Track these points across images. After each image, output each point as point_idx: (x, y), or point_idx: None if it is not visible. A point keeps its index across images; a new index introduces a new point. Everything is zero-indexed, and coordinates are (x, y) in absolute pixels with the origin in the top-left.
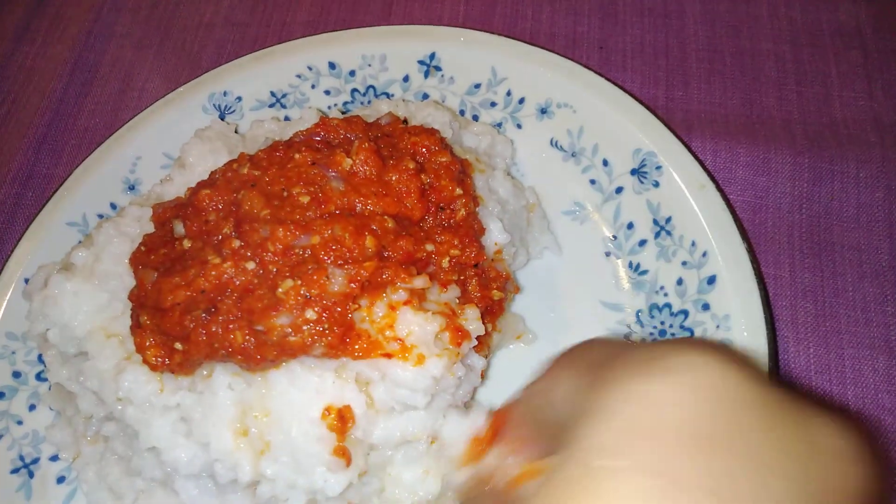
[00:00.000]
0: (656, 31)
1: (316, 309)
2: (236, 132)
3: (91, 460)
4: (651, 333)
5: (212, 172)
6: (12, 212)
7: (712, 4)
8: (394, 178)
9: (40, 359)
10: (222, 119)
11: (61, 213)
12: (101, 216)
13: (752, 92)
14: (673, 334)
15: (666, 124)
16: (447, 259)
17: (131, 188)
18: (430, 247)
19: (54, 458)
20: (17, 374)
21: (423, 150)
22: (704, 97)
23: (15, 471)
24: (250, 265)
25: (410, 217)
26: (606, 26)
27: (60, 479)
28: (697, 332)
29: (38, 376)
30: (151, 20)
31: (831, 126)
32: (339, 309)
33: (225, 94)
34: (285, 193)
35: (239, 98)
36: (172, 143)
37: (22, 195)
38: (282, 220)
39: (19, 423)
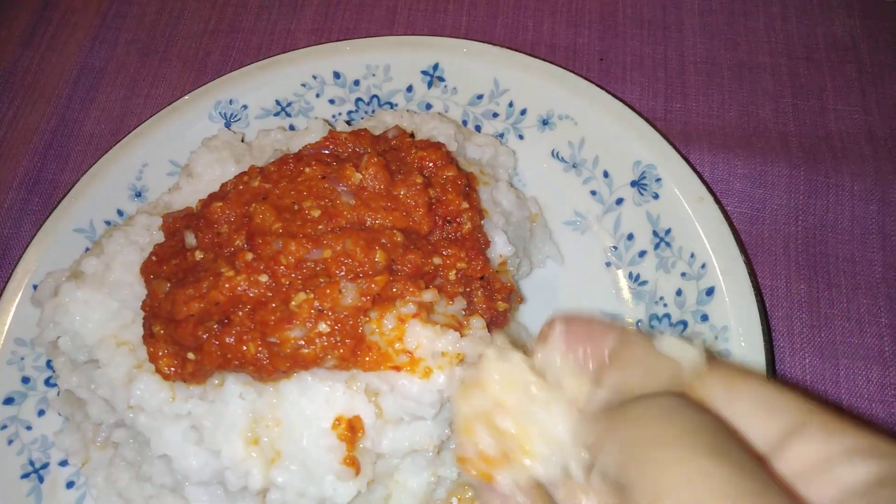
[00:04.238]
0: (655, 43)
1: (329, 322)
2: (242, 141)
3: (100, 466)
4: None
5: (222, 184)
6: (19, 217)
7: (711, 17)
8: (402, 193)
9: (48, 364)
10: (228, 127)
11: (69, 220)
12: (108, 223)
13: (750, 104)
14: None
15: (665, 137)
16: (454, 272)
17: (138, 195)
18: (437, 260)
19: (63, 463)
20: (25, 380)
21: (430, 164)
22: (703, 109)
23: (25, 475)
24: (263, 278)
25: (418, 231)
26: (606, 38)
27: (70, 484)
28: (696, 343)
29: (47, 382)
30: (157, 27)
31: (826, 139)
32: (350, 322)
33: (231, 102)
34: (296, 207)
35: (244, 106)
36: (179, 150)
37: (28, 201)
38: (293, 234)
39: (28, 428)
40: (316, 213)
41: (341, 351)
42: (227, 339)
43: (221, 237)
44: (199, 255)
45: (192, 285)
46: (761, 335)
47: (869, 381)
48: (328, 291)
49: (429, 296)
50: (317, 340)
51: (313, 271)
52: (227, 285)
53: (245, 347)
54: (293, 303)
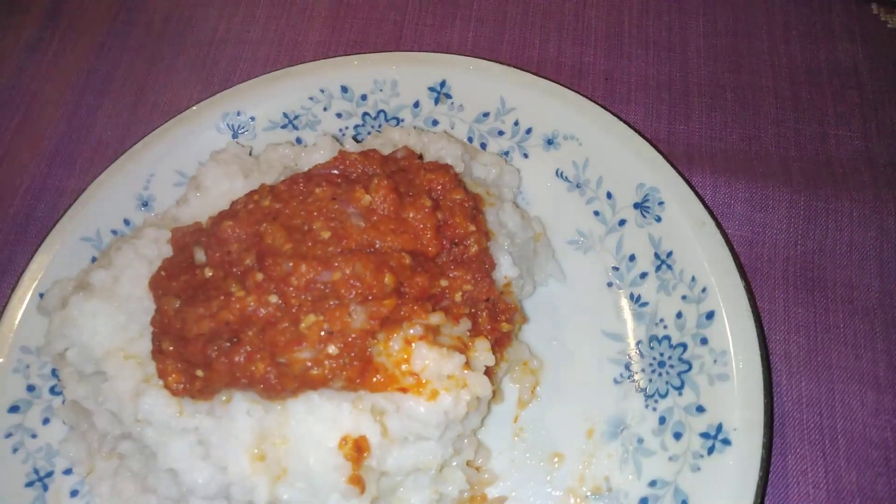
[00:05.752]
0: (660, 63)
1: (338, 344)
2: (250, 154)
3: (105, 476)
4: (651, 364)
5: (233, 202)
6: (24, 223)
7: (715, 39)
8: (411, 216)
9: (54, 373)
10: (235, 138)
11: (75, 228)
12: (114, 232)
13: (752, 127)
14: (672, 366)
15: (669, 161)
16: (460, 294)
17: (145, 205)
18: (444, 282)
19: (68, 471)
20: (31, 388)
21: (439, 187)
22: (705, 131)
23: (30, 484)
24: (273, 298)
25: (426, 253)
26: (612, 57)
27: (74, 493)
28: (695, 365)
29: (52, 390)
30: (164, 35)
31: (827, 164)
32: (358, 344)
33: (238, 113)
34: (306, 227)
35: (252, 118)
36: (186, 160)
37: (34, 207)
38: (304, 255)
39: (33, 436)
40: (326, 235)
41: (349, 373)
42: (237, 359)
43: (231, 256)
44: (208, 273)
45: (202, 304)
46: (759, 360)
47: (864, 406)
48: (338, 314)
49: (436, 319)
50: (325, 362)
51: (322, 293)
52: (237, 305)
53: (254, 367)
54: (303, 324)
